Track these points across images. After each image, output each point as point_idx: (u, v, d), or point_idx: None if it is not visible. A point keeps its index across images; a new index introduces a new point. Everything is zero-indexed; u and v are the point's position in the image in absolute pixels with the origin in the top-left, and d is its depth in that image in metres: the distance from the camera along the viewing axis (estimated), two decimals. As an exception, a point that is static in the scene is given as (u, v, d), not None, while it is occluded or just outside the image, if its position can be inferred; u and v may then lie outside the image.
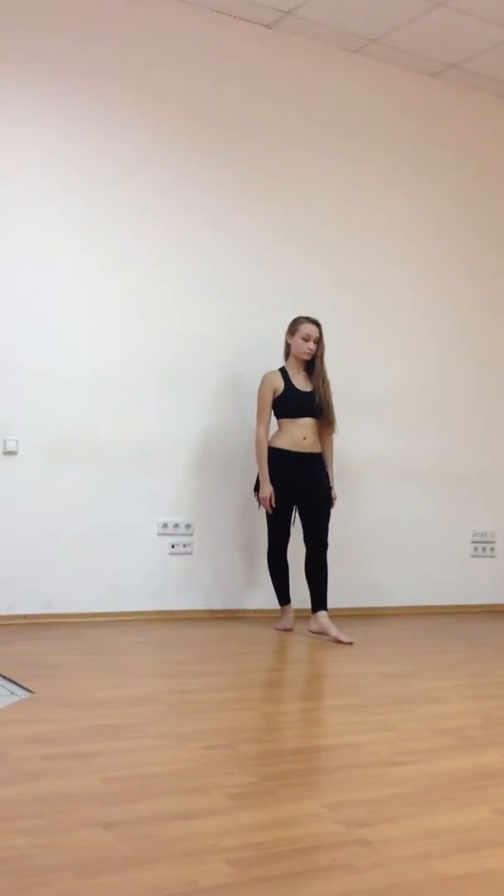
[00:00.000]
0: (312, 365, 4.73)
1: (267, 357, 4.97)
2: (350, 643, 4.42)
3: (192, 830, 2.04)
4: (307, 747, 2.74)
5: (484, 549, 5.91)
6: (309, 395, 4.71)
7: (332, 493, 4.77)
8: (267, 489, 4.65)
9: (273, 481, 4.65)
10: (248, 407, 5.13)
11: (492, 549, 5.95)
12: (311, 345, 4.68)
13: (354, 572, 5.44)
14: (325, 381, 4.72)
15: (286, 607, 4.82)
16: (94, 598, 4.84)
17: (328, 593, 4.66)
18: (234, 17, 5.20)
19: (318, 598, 4.64)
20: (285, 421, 4.74)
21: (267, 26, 5.30)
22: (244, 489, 5.18)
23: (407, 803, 2.29)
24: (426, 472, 5.60)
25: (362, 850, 1.98)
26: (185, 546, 5.09)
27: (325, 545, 4.69)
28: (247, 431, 5.15)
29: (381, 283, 5.64)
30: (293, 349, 4.74)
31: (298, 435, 4.70)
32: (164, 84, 5.09)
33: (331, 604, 5.08)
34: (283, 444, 4.72)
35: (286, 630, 4.75)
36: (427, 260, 5.80)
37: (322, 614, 4.61)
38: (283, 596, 4.82)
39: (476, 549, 5.89)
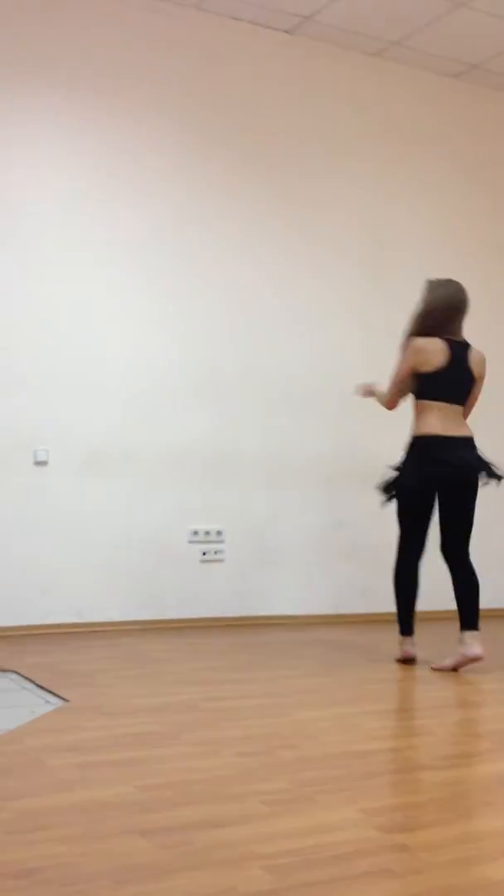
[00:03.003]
0: None
1: (298, 360, 4.95)
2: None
3: (229, 837, 2.02)
4: (343, 753, 2.71)
5: None
6: None
7: None
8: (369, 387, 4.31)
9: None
10: (276, 411, 5.14)
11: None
12: None
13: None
14: None
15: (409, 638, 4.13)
16: (126, 606, 4.84)
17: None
18: (254, 23, 5.21)
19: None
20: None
21: (287, 32, 5.30)
22: (272, 495, 5.17)
23: (445, 808, 2.26)
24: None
25: (401, 855, 1.95)
26: (216, 553, 5.08)
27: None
28: (272, 436, 5.16)
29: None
30: None
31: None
32: (182, 93, 5.11)
33: (362, 608, 5.07)
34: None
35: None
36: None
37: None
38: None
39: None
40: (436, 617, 4.73)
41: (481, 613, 3.94)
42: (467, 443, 3.95)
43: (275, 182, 5.32)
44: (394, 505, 4.05)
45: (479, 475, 3.92)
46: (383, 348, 5.46)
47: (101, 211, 4.88)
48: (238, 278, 5.22)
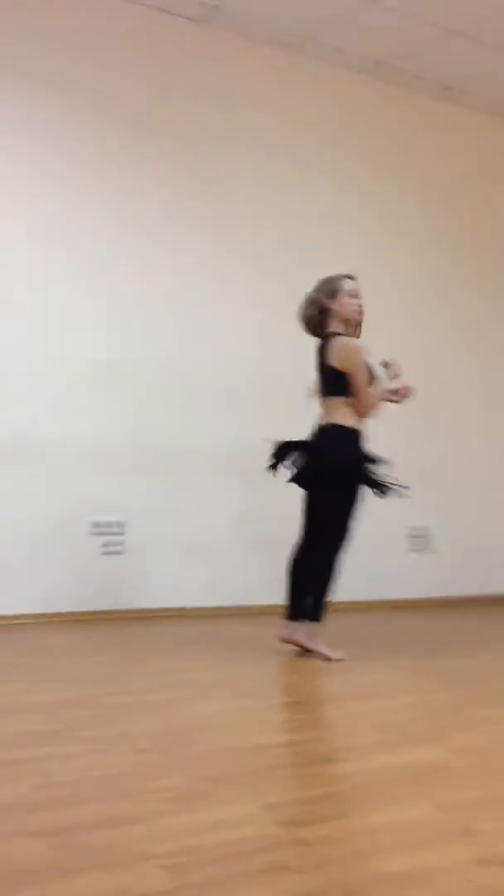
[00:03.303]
0: (356, 328, 4.15)
1: (203, 348, 4.90)
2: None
3: (125, 836, 1.96)
4: (243, 747, 2.68)
5: (420, 543, 5.93)
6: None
7: None
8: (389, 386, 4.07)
9: (364, 469, 4.01)
10: (179, 402, 5.08)
11: (428, 544, 5.97)
12: (359, 300, 4.11)
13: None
14: None
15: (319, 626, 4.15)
16: (23, 599, 4.72)
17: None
18: (160, 9, 5.13)
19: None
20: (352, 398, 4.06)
21: (194, 20, 5.23)
22: (177, 488, 5.12)
23: (345, 801, 2.25)
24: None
25: (300, 850, 1.92)
26: (117, 545, 4.99)
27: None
28: (175, 427, 5.11)
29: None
30: (342, 311, 4.07)
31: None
32: (84, 84, 5.00)
33: (271, 600, 5.08)
34: (358, 425, 4.06)
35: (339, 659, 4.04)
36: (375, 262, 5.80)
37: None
38: (324, 610, 4.15)
39: (413, 543, 5.91)
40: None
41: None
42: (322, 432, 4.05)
43: (182, 178, 5.24)
44: (326, 493, 4.03)
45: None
46: (291, 341, 5.48)
47: (6, 203, 4.75)
48: (141, 275, 5.13)
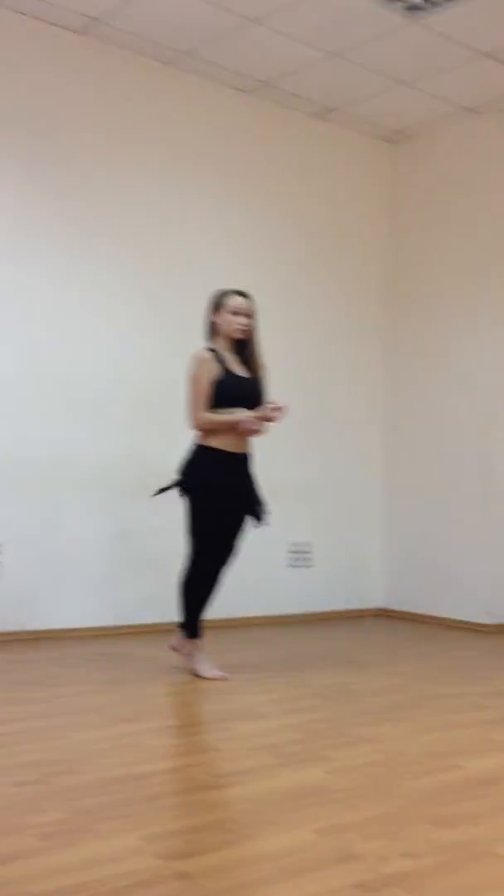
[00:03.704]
0: (243, 346, 4.09)
1: (84, 364, 4.80)
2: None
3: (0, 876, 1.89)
4: (123, 776, 2.63)
5: (301, 559, 5.98)
6: (248, 382, 4.04)
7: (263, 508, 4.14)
8: (245, 414, 3.92)
9: (216, 487, 3.96)
10: (58, 416, 4.99)
11: (309, 560, 6.03)
12: (243, 319, 4.03)
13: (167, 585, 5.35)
14: (262, 365, 4.10)
15: (198, 642, 4.08)
16: None
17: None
18: (41, 19, 5.04)
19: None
20: (221, 413, 3.98)
21: (76, 32, 5.16)
22: (53, 504, 5.02)
23: (227, 829, 2.23)
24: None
25: (182, 884, 1.89)
26: (-6, 566, 4.85)
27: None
28: (54, 442, 5.01)
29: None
30: (223, 327, 4.04)
31: (235, 432, 3.98)
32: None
33: (153, 618, 5.03)
34: (219, 443, 3.97)
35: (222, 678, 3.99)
36: (240, 274, 5.82)
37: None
38: (197, 627, 4.07)
39: (293, 559, 5.95)
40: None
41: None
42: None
43: (50, 187, 5.14)
44: (187, 511, 4.03)
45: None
46: (173, 352, 5.46)
47: None
48: (24, 280, 5.01)
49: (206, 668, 4.01)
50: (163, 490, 4.07)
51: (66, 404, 5.11)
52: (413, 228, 6.46)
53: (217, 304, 4.08)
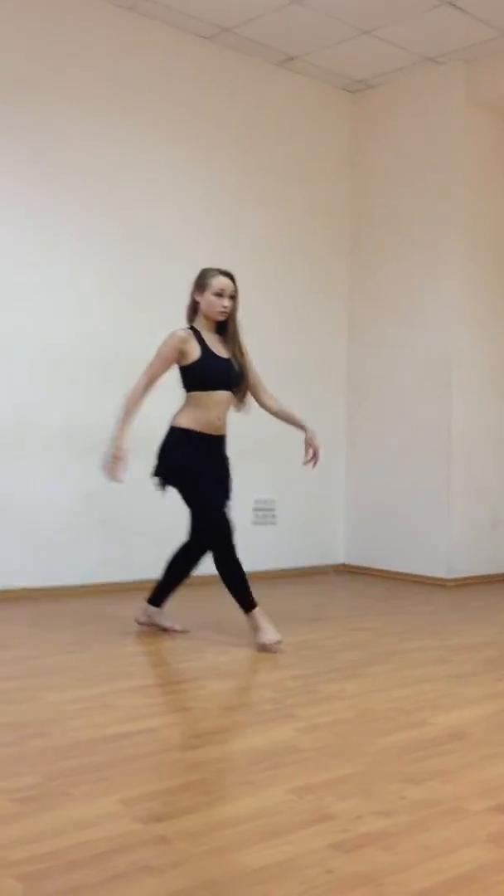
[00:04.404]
0: (225, 327, 3.99)
1: (49, 326, 4.72)
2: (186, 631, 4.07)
3: (-23, 847, 1.89)
4: (97, 738, 2.64)
5: (265, 516, 6.00)
6: (227, 363, 3.96)
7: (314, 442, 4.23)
8: (121, 450, 3.83)
9: (198, 468, 3.91)
10: (23, 378, 4.92)
11: (273, 517, 6.05)
12: (226, 301, 3.92)
13: (135, 545, 5.36)
14: (241, 347, 4.01)
15: (256, 612, 3.91)
16: None
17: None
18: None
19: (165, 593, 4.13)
20: (199, 395, 3.92)
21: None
22: (19, 465, 4.97)
23: (204, 791, 2.25)
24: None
25: (161, 848, 1.91)
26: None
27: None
28: (20, 404, 4.94)
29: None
30: (204, 308, 3.94)
31: (213, 414, 3.92)
32: None
33: (115, 577, 5.02)
34: (196, 424, 3.92)
35: (275, 646, 3.83)
36: (198, 223, 5.74)
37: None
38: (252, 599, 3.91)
39: (257, 516, 5.98)
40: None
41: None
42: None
43: (23, 140, 5.02)
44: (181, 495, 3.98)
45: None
46: (133, 313, 5.40)
47: None
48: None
49: (266, 636, 3.84)
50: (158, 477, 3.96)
51: (27, 366, 5.03)
52: (373, 178, 6.41)
53: (201, 284, 3.95)
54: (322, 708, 2.98)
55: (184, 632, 4.11)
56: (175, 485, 3.95)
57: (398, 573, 6.11)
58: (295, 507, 6.20)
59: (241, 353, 4.01)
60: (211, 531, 3.90)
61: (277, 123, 6.13)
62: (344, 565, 6.45)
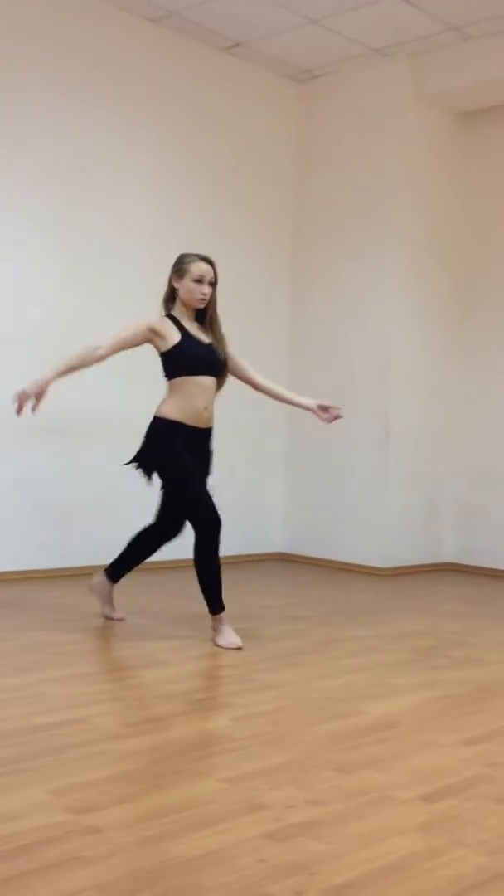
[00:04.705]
0: (204, 314, 3.83)
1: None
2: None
3: None
4: (28, 727, 2.61)
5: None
6: (209, 348, 3.78)
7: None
8: (43, 392, 3.54)
9: (180, 460, 3.73)
10: None
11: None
12: (206, 288, 3.76)
13: (72, 530, 5.31)
14: (221, 333, 3.86)
15: (223, 616, 3.79)
16: None
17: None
18: None
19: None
20: (183, 381, 3.74)
21: None
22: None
23: (136, 781, 2.24)
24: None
25: (92, 838, 1.90)
26: None
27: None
28: None
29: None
30: (182, 295, 3.77)
31: (199, 402, 3.73)
32: None
33: (50, 564, 4.95)
34: (181, 415, 3.72)
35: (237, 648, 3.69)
36: (144, 210, 5.69)
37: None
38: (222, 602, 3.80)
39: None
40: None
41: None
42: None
43: None
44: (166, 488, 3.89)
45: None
46: (74, 288, 5.32)
47: None
48: None
49: (224, 638, 3.74)
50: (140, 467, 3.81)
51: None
52: (319, 168, 6.42)
53: (179, 270, 3.78)
54: (256, 697, 2.99)
55: (120, 619, 4.07)
56: (162, 479, 3.81)
57: (335, 562, 6.16)
58: (232, 495, 6.17)
59: (222, 341, 3.84)
60: (205, 526, 3.72)
61: (223, 109, 6.09)
62: (281, 554, 6.47)
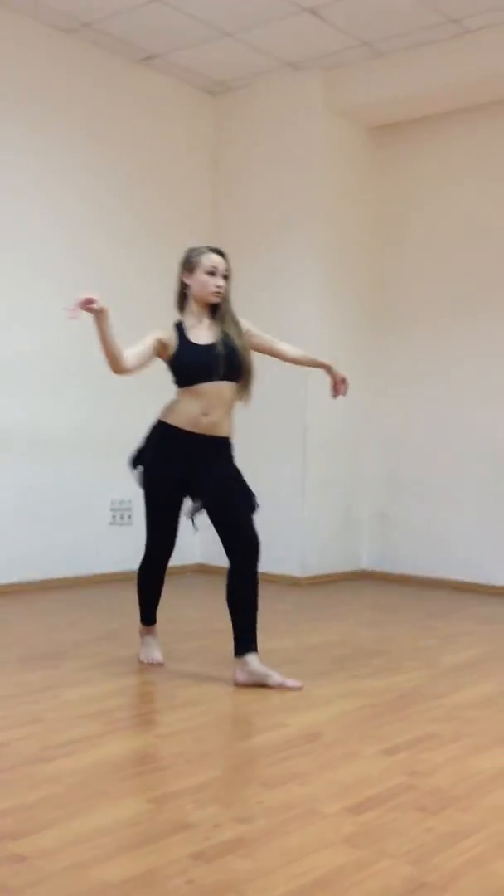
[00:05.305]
0: (215, 308, 3.54)
1: None
2: (299, 687, 3.36)
3: None
4: None
5: (122, 516, 5.94)
6: (206, 350, 3.46)
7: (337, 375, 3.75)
8: (101, 307, 3.22)
9: (159, 464, 3.56)
10: None
11: (129, 517, 5.99)
12: (220, 280, 3.49)
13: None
14: (237, 326, 3.55)
15: (151, 628, 3.81)
16: None
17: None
18: None
19: (245, 635, 3.48)
20: (182, 390, 3.52)
21: None
22: None
23: (60, 805, 2.21)
24: (66, 441, 5.47)
25: (17, 867, 1.87)
26: None
27: (252, 558, 3.62)
28: None
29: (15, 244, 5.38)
30: (196, 290, 3.50)
31: (197, 408, 3.46)
32: None
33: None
34: (176, 418, 3.50)
35: (158, 664, 3.69)
36: (62, 222, 5.63)
37: (252, 657, 3.45)
38: (150, 615, 3.81)
39: (114, 516, 5.91)
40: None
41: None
42: None
43: None
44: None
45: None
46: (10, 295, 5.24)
47: None
48: None
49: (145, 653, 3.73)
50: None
51: None
52: (235, 181, 6.46)
53: (189, 264, 3.53)
54: (179, 714, 2.98)
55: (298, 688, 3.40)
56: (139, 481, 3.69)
57: (253, 572, 6.16)
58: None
59: (238, 335, 3.54)
60: (149, 549, 3.75)
61: (137, 121, 6.07)
62: (200, 565, 6.46)
